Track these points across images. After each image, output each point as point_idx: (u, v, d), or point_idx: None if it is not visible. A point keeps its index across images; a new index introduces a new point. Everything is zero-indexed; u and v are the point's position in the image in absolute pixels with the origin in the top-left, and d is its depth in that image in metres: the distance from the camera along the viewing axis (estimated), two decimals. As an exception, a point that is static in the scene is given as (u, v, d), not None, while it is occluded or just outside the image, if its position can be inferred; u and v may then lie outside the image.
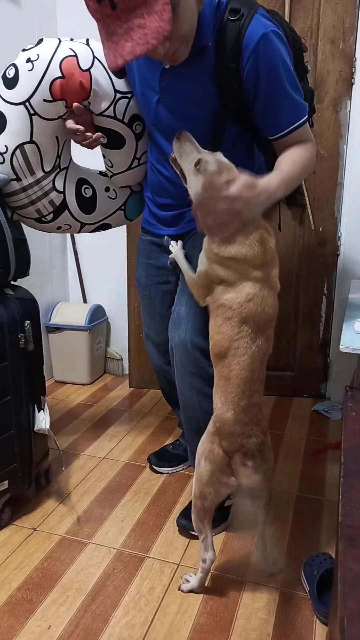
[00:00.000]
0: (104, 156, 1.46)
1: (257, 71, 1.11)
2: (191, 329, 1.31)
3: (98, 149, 1.39)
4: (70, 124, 1.27)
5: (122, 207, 1.55)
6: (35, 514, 1.55)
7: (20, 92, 1.29)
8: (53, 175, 1.42)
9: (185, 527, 1.44)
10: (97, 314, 2.52)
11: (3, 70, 1.33)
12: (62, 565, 1.34)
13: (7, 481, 1.46)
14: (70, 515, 1.54)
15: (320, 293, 2.25)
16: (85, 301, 2.64)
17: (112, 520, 1.53)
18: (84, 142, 1.29)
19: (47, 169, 1.40)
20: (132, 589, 1.27)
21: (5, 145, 1.34)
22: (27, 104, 1.29)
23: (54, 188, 1.43)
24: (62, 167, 1.43)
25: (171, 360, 1.43)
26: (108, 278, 2.57)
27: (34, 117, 1.31)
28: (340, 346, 1.26)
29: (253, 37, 1.08)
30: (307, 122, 1.20)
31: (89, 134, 1.27)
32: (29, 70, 1.27)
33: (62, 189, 1.44)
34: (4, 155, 1.35)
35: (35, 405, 1.52)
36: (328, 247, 2.20)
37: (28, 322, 1.47)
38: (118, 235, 2.31)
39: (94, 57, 1.27)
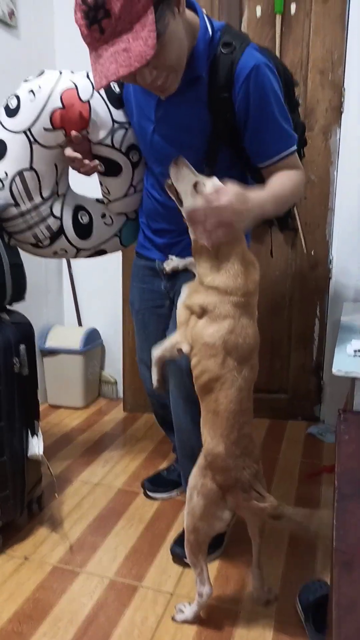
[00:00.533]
0: (101, 184, 1.49)
1: (248, 100, 1.15)
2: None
3: (95, 176, 1.42)
4: (69, 152, 1.31)
5: (118, 234, 1.58)
6: (27, 542, 1.52)
7: (22, 121, 1.33)
8: (51, 201, 1.44)
9: (179, 556, 1.42)
10: (92, 338, 2.52)
11: (5, 100, 1.37)
12: (54, 595, 1.32)
13: (-1, 508, 1.44)
14: (63, 543, 1.52)
15: (313, 315, 2.27)
16: (80, 324, 2.64)
17: (105, 548, 1.50)
18: (81, 170, 1.32)
19: (45, 195, 1.42)
20: (125, 619, 1.25)
21: (5, 172, 1.37)
22: (27, 132, 1.33)
23: (51, 214, 1.45)
24: (59, 194, 1.46)
25: (166, 385, 1.43)
26: (103, 301, 2.58)
27: (34, 145, 1.34)
28: (333, 369, 1.27)
29: (245, 68, 1.13)
30: (297, 152, 1.24)
31: (86, 161, 1.30)
32: (31, 101, 1.31)
33: (59, 215, 1.46)
34: (3, 181, 1.38)
35: (29, 430, 1.51)
36: (320, 270, 2.23)
37: (23, 346, 1.47)
38: (113, 260, 2.32)
39: (94, 89, 1.31)
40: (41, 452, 1.49)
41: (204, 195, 1.05)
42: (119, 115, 1.35)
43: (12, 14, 2.09)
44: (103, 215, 1.54)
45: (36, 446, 1.49)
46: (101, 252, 1.60)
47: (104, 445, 2.14)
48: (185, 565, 1.39)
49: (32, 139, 1.34)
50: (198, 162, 1.21)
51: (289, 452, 2.08)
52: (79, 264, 2.58)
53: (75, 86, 1.31)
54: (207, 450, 1.15)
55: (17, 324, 1.51)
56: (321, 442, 2.16)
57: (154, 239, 1.46)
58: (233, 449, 1.11)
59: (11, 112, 1.34)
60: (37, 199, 1.42)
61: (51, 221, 1.46)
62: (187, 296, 1.16)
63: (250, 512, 1.18)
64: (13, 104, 1.34)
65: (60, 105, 1.30)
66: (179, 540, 1.44)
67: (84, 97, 1.30)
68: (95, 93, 1.31)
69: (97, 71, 1.01)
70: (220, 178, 1.17)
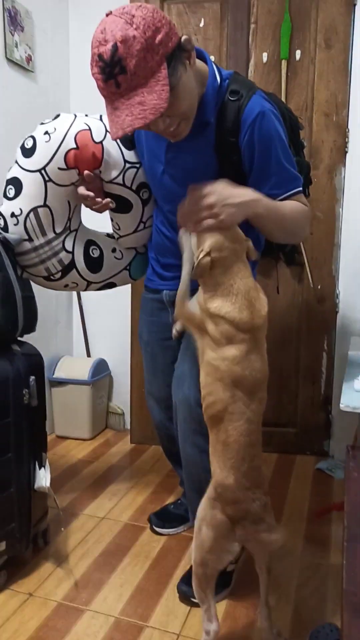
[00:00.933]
0: (111, 219, 1.54)
1: (253, 145, 1.20)
2: (194, 386, 1.31)
3: (106, 212, 1.47)
4: (81, 190, 1.35)
5: (127, 267, 1.61)
6: (32, 577, 1.50)
7: (37, 160, 1.39)
8: (63, 236, 1.49)
9: (186, 594, 1.39)
10: (100, 368, 2.54)
11: (22, 141, 1.43)
12: (58, 634, 1.29)
13: (4, 542, 1.42)
14: (68, 579, 1.50)
15: (320, 349, 2.28)
16: (88, 355, 2.66)
17: (110, 585, 1.48)
18: (94, 207, 1.37)
19: (58, 231, 1.47)
20: (131, 661, 1.22)
21: (20, 208, 1.42)
22: (42, 171, 1.38)
23: (63, 248, 1.49)
24: (72, 229, 1.51)
25: (174, 417, 1.43)
26: (111, 333, 2.61)
27: (48, 184, 1.40)
28: (340, 405, 1.27)
29: (251, 114, 1.18)
30: (302, 193, 1.27)
31: (98, 199, 1.35)
32: (46, 142, 1.37)
33: (71, 249, 1.51)
34: (18, 217, 1.43)
35: (37, 463, 1.51)
36: (327, 304, 2.25)
37: (33, 377, 1.48)
38: (122, 292, 2.36)
39: (107, 131, 1.37)
40: (48, 484, 1.48)
41: (189, 188, 1.09)
42: (130, 155, 1.41)
43: (29, 59, 2.20)
44: (113, 250, 1.59)
45: (43, 478, 1.49)
46: (111, 285, 1.64)
47: (110, 477, 2.12)
48: (193, 604, 1.37)
49: (46, 178, 1.39)
50: None
51: (297, 488, 2.05)
52: (88, 295, 2.62)
53: (89, 128, 1.37)
54: (217, 481, 1.15)
55: (27, 355, 1.53)
56: (331, 478, 2.13)
57: (162, 273, 1.49)
58: (243, 481, 1.11)
59: (27, 152, 1.41)
60: (50, 234, 1.46)
61: (63, 255, 1.50)
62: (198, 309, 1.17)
63: (259, 545, 1.16)
64: (29, 144, 1.41)
65: (74, 145, 1.35)
66: (186, 578, 1.42)
67: (97, 139, 1.36)
68: (108, 135, 1.37)
69: (113, 122, 1.06)
70: None
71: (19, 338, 1.56)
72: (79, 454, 2.35)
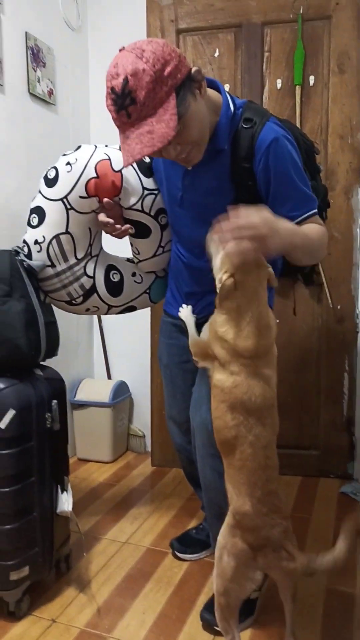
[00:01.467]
0: (131, 244, 1.57)
1: (268, 170, 1.22)
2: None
3: (126, 238, 1.50)
4: (102, 217, 1.40)
5: (147, 291, 1.64)
6: (54, 603, 1.50)
7: (59, 190, 1.44)
8: (85, 262, 1.53)
9: (209, 622, 1.37)
10: (121, 391, 2.55)
11: (45, 172, 1.49)
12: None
13: (27, 567, 1.43)
14: (90, 605, 1.49)
15: (341, 369, 2.25)
16: (109, 377, 2.69)
17: (133, 612, 1.47)
18: (114, 234, 1.41)
19: (79, 257, 1.51)
20: None
21: (43, 236, 1.47)
22: (64, 200, 1.43)
23: (84, 273, 1.53)
24: (93, 255, 1.55)
25: (192, 441, 1.43)
26: (132, 355, 2.63)
27: (70, 211, 1.44)
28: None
29: (265, 140, 1.21)
30: (318, 215, 1.29)
31: (118, 226, 1.39)
32: (68, 172, 1.43)
33: (92, 274, 1.55)
34: (41, 244, 1.47)
35: (59, 487, 1.52)
36: (347, 324, 2.23)
37: (55, 401, 1.51)
38: (142, 314, 2.39)
39: None
40: (70, 508, 1.49)
41: (238, 210, 1.04)
42: (148, 182, 1.45)
43: (51, 92, 2.29)
44: (133, 274, 1.62)
45: (65, 502, 1.50)
46: (131, 309, 1.67)
47: (132, 501, 2.12)
48: (216, 632, 1.34)
49: (68, 206, 1.44)
50: None
51: (321, 512, 2.01)
52: (108, 318, 2.65)
53: (109, 158, 1.42)
54: (234, 509, 1.14)
55: (49, 379, 1.56)
56: (356, 502, 2.08)
57: (180, 298, 1.52)
58: (259, 507, 1.10)
59: (50, 182, 1.46)
60: (72, 260, 1.50)
61: (84, 280, 1.54)
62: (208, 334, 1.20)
63: (282, 573, 1.15)
64: (52, 175, 1.46)
65: (94, 175, 1.40)
66: (209, 606, 1.40)
67: (116, 168, 1.41)
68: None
69: (124, 150, 1.10)
70: None
71: (42, 362, 1.59)
72: (101, 477, 2.35)
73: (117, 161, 1.41)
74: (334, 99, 2.14)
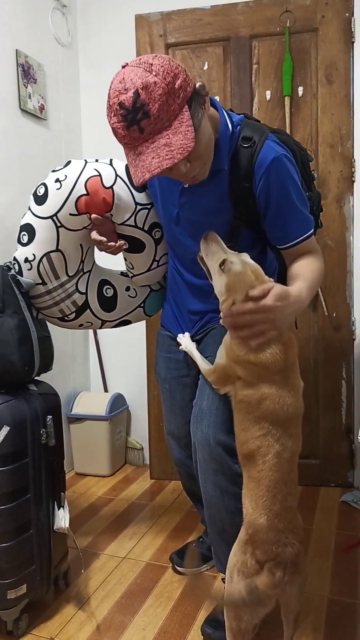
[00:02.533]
0: (125, 259, 1.56)
1: (268, 190, 1.21)
2: (214, 424, 1.30)
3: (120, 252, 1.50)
4: (94, 235, 1.37)
5: (142, 305, 1.64)
6: (53, 621, 1.47)
7: (49, 207, 1.42)
8: (76, 278, 1.51)
9: (210, 637, 1.35)
10: (118, 403, 2.54)
11: (34, 188, 1.48)
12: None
13: (25, 585, 1.41)
14: (90, 622, 1.47)
15: (339, 377, 2.25)
16: (106, 390, 2.68)
17: (133, 628, 1.45)
18: (108, 251, 1.38)
19: (71, 274, 1.50)
20: None
21: (34, 254, 1.46)
22: (54, 217, 1.41)
23: (76, 290, 1.52)
24: (85, 271, 1.54)
25: (193, 457, 1.42)
26: (128, 367, 2.62)
27: (60, 229, 1.43)
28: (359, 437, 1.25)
29: (265, 160, 1.19)
30: (315, 220, 1.29)
31: (111, 243, 1.36)
32: (57, 189, 1.40)
33: (84, 291, 1.54)
34: (31, 262, 1.46)
35: (55, 503, 1.51)
36: (343, 332, 2.23)
37: (50, 417, 1.50)
38: (137, 326, 2.39)
39: (117, 175, 1.40)
40: (67, 524, 1.48)
41: (250, 296, 1.05)
42: (141, 197, 1.43)
43: (42, 108, 2.30)
44: (127, 288, 1.61)
45: (62, 519, 1.48)
46: (126, 322, 1.66)
47: (131, 515, 2.10)
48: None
49: (58, 224, 1.42)
50: None
51: (323, 521, 2.00)
52: (104, 331, 2.65)
53: (99, 174, 1.39)
54: (248, 522, 1.11)
55: (44, 394, 1.55)
56: (357, 511, 2.07)
57: (180, 315, 1.50)
58: (276, 522, 1.07)
59: (39, 200, 1.44)
60: (63, 277, 1.49)
61: (77, 297, 1.53)
62: (224, 356, 1.19)
63: (286, 596, 1.11)
64: (41, 192, 1.44)
65: (84, 192, 1.38)
66: (210, 620, 1.38)
67: (107, 184, 1.39)
68: (119, 179, 1.40)
69: (138, 167, 1.07)
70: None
71: (36, 377, 1.58)
72: (99, 491, 2.33)
73: (108, 177, 1.40)
74: (323, 109, 2.16)
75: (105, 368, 2.69)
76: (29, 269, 1.47)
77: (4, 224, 2.01)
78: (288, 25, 2.14)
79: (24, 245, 1.47)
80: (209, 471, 1.33)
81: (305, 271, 1.21)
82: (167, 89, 1.01)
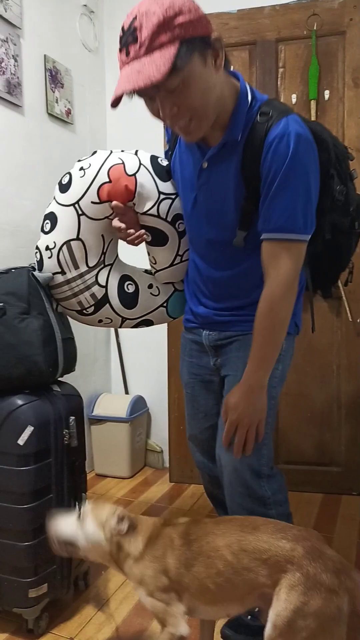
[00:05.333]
0: (148, 253, 1.52)
1: (270, 164, 1.12)
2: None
3: (144, 248, 1.48)
4: (115, 222, 1.37)
5: (165, 305, 1.59)
6: (73, 621, 1.48)
7: (71, 195, 1.42)
8: (96, 270, 1.48)
9: (228, 639, 1.34)
10: (138, 405, 2.55)
11: (60, 178, 1.49)
12: None
13: (46, 584, 1.42)
14: (109, 624, 1.47)
15: (362, 384, 2.22)
16: (127, 392, 2.69)
17: (152, 631, 1.45)
18: (128, 239, 1.37)
19: (91, 264, 1.47)
20: None
21: (54, 242, 1.45)
22: (76, 205, 1.41)
23: (96, 282, 1.49)
24: (106, 264, 1.50)
25: (220, 476, 1.38)
26: (149, 370, 2.63)
27: (81, 217, 1.42)
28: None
29: (275, 135, 1.12)
30: (302, 243, 1.15)
31: (131, 230, 1.35)
32: (81, 177, 1.41)
33: (104, 284, 1.50)
34: (52, 250, 1.46)
35: (77, 503, 1.52)
36: (367, 338, 2.20)
37: (73, 418, 1.51)
38: (159, 329, 2.40)
39: (141, 164, 1.39)
40: (88, 525, 1.49)
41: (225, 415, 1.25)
42: (165, 187, 1.40)
43: (69, 112, 2.34)
44: (150, 286, 1.56)
45: (84, 520, 1.49)
46: (147, 322, 1.61)
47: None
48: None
49: (80, 212, 1.41)
50: (232, 228, 1.23)
51: (344, 530, 1.96)
52: (125, 332, 2.66)
53: (123, 162, 1.39)
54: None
55: (67, 395, 1.56)
56: (378, 520, 2.03)
57: (199, 312, 1.45)
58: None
59: (63, 188, 1.45)
60: (83, 268, 1.47)
61: (96, 289, 1.50)
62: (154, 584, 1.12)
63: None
64: (65, 180, 1.45)
65: (107, 179, 1.37)
66: (231, 622, 1.37)
67: (130, 172, 1.37)
68: (142, 168, 1.39)
69: (114, 89, 1.08)
70: (254, 248, 1.20)
71: (59, 379, 1.60)
72: (118, 492, 2.34)
73: (132, 165, 1.38)
74: (349, 112, 2.14)
75: (126, 370, 2.70)
76: (49, 257, 1.47)
77: (29, 227, 2.04)
78: (315, 28, 2.13)
79: (46, 233, 1.47)
80: (235, 494, 1.30)
81: (255, 334, 1.21)
82: (164, 20, 1.00)
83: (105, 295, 1.52)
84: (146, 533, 1.15)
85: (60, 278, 1.49)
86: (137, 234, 1.35)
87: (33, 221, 2.04)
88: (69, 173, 1.45)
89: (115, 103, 1.09)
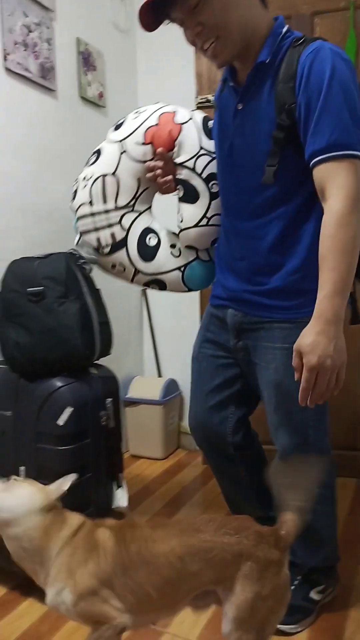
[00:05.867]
0: (178, 212, 1.49)
1: (308, 84, 1.07)
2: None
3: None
4: (150, 162, 1.41)
5: (182, 269, 1.51)
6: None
7: (121, 133, 1.48)
8: (123, 211, 1.48)
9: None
10: (171, 388, 2.57)
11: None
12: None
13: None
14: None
15: None
16: (160, 375, 2.72)
17: (187, 609, 1.48)
18: (159, 180, 1.40)
19: (119, 204, 1.48)
20: None
21: (93, 173, 1.50)
22: (122, 142, 1.46)
23: (119, 223, 1.48)
24: (135, 209, 1.50)
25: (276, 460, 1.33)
26: (181, 353, 2.64)
27: (123, 155, 1.46)
28: None
29: (308, 52, 1.09)
30: (357, 159, 1.04)
31: (159, 171, 1.39)
32: (134, 118, 1.48)
33: (127, 227, 1.49)
34: (87, 180, 1.50)
35: (114, 483, 1.56)
36: None
37: (109, 399, 1.54)
38: (192, 312, 2.43)
39: (191, 118, 1.43)
40: (125, 504, 1.52)
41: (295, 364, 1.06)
42: (208, 144, 1.41)
43: (101, 95, 2.33)
44: (172, 246, 1.52)
45: (121, 498, 1.53)
46: (160, 285, 1.54)
47: (183, 499, 2.13)
48: (277, 632, 1.32)
49: (123, 149, 1.46)
50: (261, 168, 1.18)
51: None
52: (159, 316, 2.68)
53: (175, 111, 1.44)
54: None
55: (104, 378, 1.59)
56: None
57: (227, 284, 1.36)
58: None
59: (117, 127, 1.51)
60: (110, 205, 1.48)
61: (117, 230, 1.48)
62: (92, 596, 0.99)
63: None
64: (120, 121, 1.51)
65: (155, 122, 1.42)
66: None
67: (178, 121, 1.41)
68: (191, 121, 1.42)
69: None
70: (283, 193, 1.17)
71: (95, 361, 1.63)
72: (153, 473, 2.38)
73: (182, 116, 1.42)
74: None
75: (159, 354, 2.72)
76: (83, 187, 1.50)
77: (63, 212, 2.06)
78: (353, 0, 2.04)
79: (89, 166, 1.52)
80: None
81: (322, 260, 1.04)
82: None
83: (125, 239, 1.49)
84: (76, 528, 1.05)
85: (87, 209, 1.50)
86: (168, 178, 1.37)
87: (66, 206, 2.05)
88: (126, 116, 1.51)
89: (144, 21, 1.18)
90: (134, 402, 2.53)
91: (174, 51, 2.36)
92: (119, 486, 1.56)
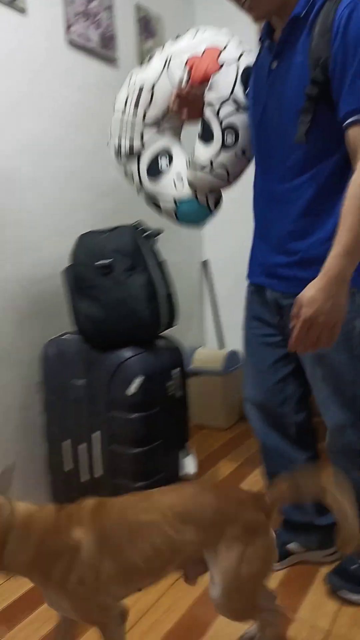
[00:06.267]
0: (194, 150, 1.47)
1: (347, 35, 1.02)
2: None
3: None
4: (176, 90, 1.39)
5: (177, 203, 1.50)
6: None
7: (174, 47, 1.44)
8: (146, 127, 1.47)
9: (336, 588, 1.35)
10: (233, 360, 2.57)
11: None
12: (210, 614, 1.35)
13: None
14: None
15: None
16: (221, 347, 2.72)
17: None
18: (174, 109, 1.40)
19: (148, 118, 1.46)
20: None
21: (135, 82, 1.47)
22: (169, 57, 1.43)
23: (140, 137, 1.48)
24: (160, 129, 1.48)
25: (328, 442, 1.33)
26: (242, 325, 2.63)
27: (164, 72, 1.42)
28: None
29: (345, 5, 1.04)
30: None
31: (178, 100, 1.37)
32: (192, 37, 1.43)
33: (144, 141, 1.48)
34: (129, 88, 1.48)
35: (182, 450, 1.59)
36: None
37: (176, 370, 1.57)
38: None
39: (237, 62, 1.36)
40: (193, 470, 1.56)
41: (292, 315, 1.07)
42: (239, 94, 1.35)
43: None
44: (180, 178, 1.49)
45: (189, 465, 1.57)
46: (157, 205, 1.54)
47: (247, 470, 2.15)
48: (343, 600, 1.33)
49: (167, 65, 1.42)
50: (293, 127, 1.14)
51: None
52: (220, 288, 2.67)
53: (224, 49, 1.37)
54: None
55: (170, 349, 1.62)
56: None
57: (262, 259, 1.32)
58: None
59: (177, 39, 1.46)
60: (140, 115, 1.46)
61: (136, 142, 1.48)
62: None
63: None
64: (181, 35, 1.47)
65: (200, 53, 1.38)
66: (339, 569, 1.38)
67: (221, 60, 1.35)
68: (233, 65, 1.36)
69: None
70: (314, 154, 1.13)
71: (161, 333, 1.65)
72: (215, 443, 2.42)
73: (227, 56, 1.36)
74: None
75: (221, 325, 2.72)
76: (125, 92, 1.49)
77: (126, 186, 2.06)
78: None
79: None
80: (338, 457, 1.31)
81: (342, 219, 1.02)
82: None
83: (139, 153, 1.49)
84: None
85: (119, 115, 1.50)
86: (187, 109, 1.37)
87: (108, 178, 2.04)
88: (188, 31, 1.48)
89: None
90: (196, 373, 2.56)
91: (234, 13, 2.26)
92: (187, 454, 1.60)
